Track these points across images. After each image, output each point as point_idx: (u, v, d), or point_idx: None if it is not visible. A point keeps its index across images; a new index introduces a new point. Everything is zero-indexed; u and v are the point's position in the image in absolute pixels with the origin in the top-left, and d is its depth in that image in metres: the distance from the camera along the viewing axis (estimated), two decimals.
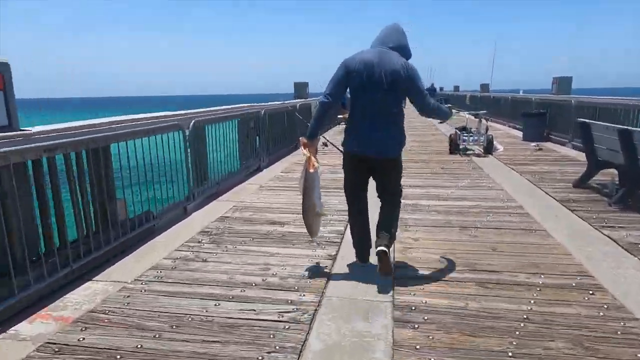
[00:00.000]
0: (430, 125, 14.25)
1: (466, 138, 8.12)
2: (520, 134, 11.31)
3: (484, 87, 19.87)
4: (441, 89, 41.86)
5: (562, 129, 9.34)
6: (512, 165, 6.99)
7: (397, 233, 3.14)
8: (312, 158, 2.81)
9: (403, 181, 3.13)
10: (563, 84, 10.18)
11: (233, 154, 6.28)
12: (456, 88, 32.17)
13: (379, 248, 2.82)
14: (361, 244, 3.13)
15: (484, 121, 8.28)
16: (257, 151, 7.10)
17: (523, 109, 12.06)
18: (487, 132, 8.01)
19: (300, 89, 11.92)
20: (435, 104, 2.92)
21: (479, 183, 5.78)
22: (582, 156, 7.80)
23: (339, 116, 15.15)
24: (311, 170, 2.81)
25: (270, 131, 7.72)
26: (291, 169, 7.03)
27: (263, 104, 7.60)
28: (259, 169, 7.03)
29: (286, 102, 9.02)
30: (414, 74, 2.75)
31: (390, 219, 2.99)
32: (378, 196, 3.06)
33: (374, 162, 2.89)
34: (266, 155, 7.41)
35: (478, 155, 8.13)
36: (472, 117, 9.27)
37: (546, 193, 5.17)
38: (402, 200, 3.13)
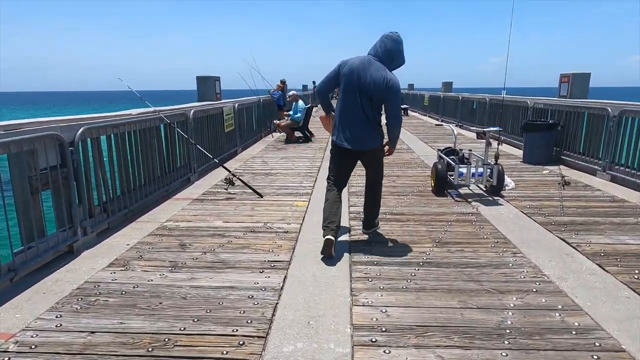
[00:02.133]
0: (400, 141, 11.06)
1: (463, 171, 4.92)
2: (514, 150, 8.41)
3: (447, 85, 17.15)
4: None
5: (588, 149, 6.43)
6: (558, 231, 3.86)
7: None
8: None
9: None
10: (579, 82, 7.34)
11: None
12: (410, 86, 29.67)
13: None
14: (327, 219, 3.35)
15: (494, 143, 5.11)
16: (72, 221, 3.45)
17: (508, 114, 9.20)
18: (497, 161, 4.87)
19: (206, 85, 8.21)
20: (399, 122, 3.31)
21: (554, 315, 2.52)
22: None
23: (275, 121, 11.66)
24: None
25: (111, 171, 4.07)
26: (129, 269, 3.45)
27: (83, 116, 3.91)
28: (66, 253, 3.39)
29: (164, 108, 5.41)
30: (392, 88, 3.14)
31: (374, 207, 3.66)
32: (365, 185, 3.60)
33: (353, 153, 3.34)
34: (95, 223, 3.78)
35: (480, 197, 4.98)
36: (472, 136, 6.09)
37: None
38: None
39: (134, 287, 2.81)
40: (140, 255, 3.34)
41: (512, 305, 2.56)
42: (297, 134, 10.51)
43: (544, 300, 2.62)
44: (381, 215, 4.37)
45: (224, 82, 8.52)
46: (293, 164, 7.31)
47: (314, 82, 27.66)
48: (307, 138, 10.40)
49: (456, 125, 6.42)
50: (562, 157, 7.03)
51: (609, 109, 5.89)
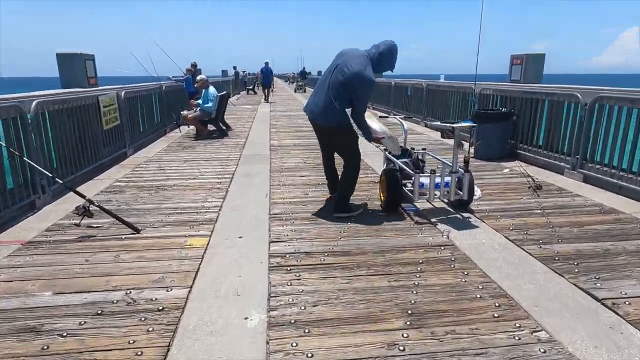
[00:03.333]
0: None
1: (425, 182, 3.63)
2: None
3: None
4: (308, 72, 38.34)
5: (551, 143, 5.50)
6: (571, 274, 2.67)
7: None
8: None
9: None
10: (534, 65, 6.44)
11: None
12: None
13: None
14: (329, 181, 4.11)
15: (465, 145, 3.85)
16: None
17: (449, 102, 8.23)
18: (468, 167, 3.63)
19: (73, 67, 6.09)
20: (361, 121, 3.51)
21: None
22: (632, 205, 3.94)
23: (181, 113, 9.68)
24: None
25: None
26: None
27: None
28: None
29: None
30: (364, 80, 3.26)
31: (342, 182, 3.72)
32: None
33: (316, 127, 3.66)
34: None
35: (446, 215, 3.74)
36: (411, 126, 4.91)
37: None
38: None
39: None
40: None
41: None
42: (212, 127, 8.72)
43: None
44: (318, 255, 2.93)
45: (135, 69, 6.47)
46: (198, 170, 5.60)
47: (234, 68, 25.47)
48: (223, 132, 8.65)
49: (404, 118, 5.11)
50: (519, 151, 6.10)
51: (579, 96, 4.95)
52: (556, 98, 5.33)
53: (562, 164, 5.20)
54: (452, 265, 2.80)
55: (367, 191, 4.54)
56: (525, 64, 6.36)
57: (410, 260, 2.87)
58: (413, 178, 3.63)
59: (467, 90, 7.55)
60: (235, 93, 24.77)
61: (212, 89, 8.25)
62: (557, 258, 2.89)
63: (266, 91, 18.07)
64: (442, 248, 3.08)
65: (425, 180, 3.63)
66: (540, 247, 3.08)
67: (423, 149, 4.61)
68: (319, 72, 38.51)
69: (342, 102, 3.35)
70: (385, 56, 3.37)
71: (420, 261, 2.86)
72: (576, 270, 2.72)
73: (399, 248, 3.08)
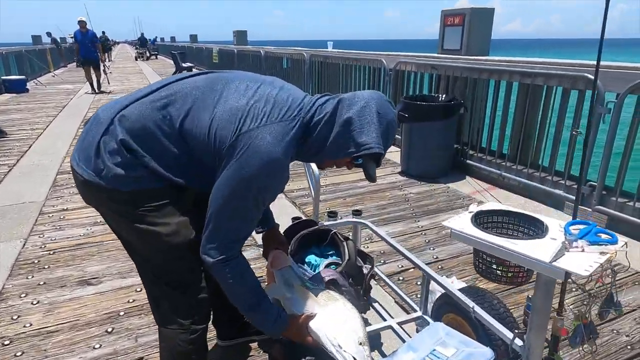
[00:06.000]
0: None
1: None
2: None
3: (241, 35, 12.97)
4: (161, 39, 33.98)
5: (531, 153, 3.43)
6: None
7: None
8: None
9: None
10: (481, 25, 4.16)
11: None
12: (193, 38, 24.42)
13: None
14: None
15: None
16: None
17: (343, 82, 5.83)
18: (557, 345, 1.17)
19: None
20: (221, 275, 1.12)
21: None
22: None
23: None
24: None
25: None
26: None
27: None
28: None
29: None
30: (242, 150, 1.04)
31: None
32: None
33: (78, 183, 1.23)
34: None
35: None
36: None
37: None
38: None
39: None
40: None
41: None
42: None
43: None
44: None
45: None
46: None
47: (49, 34, 19.41)
48: None
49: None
50: (468, 161, 3.98)
51: (593, 79, 2.86)
52: (541, 81, 3.20)
53: (558, 191, 3.17)
54: None
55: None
56: (470, 25, 4.15)
57: None
58: None
59: (375, 64, 5.15)
60: (62, 66, 19.10)
61: None
62: None
63: (93, 73, 9.84)
64: None
65: None
66: None
67: (356, 212, 2.04)
68: (172, 38, 33.32)
69: (157, 155, 1.12)
70: (355, 127, 1.08)
71: None
72: None
73: None
